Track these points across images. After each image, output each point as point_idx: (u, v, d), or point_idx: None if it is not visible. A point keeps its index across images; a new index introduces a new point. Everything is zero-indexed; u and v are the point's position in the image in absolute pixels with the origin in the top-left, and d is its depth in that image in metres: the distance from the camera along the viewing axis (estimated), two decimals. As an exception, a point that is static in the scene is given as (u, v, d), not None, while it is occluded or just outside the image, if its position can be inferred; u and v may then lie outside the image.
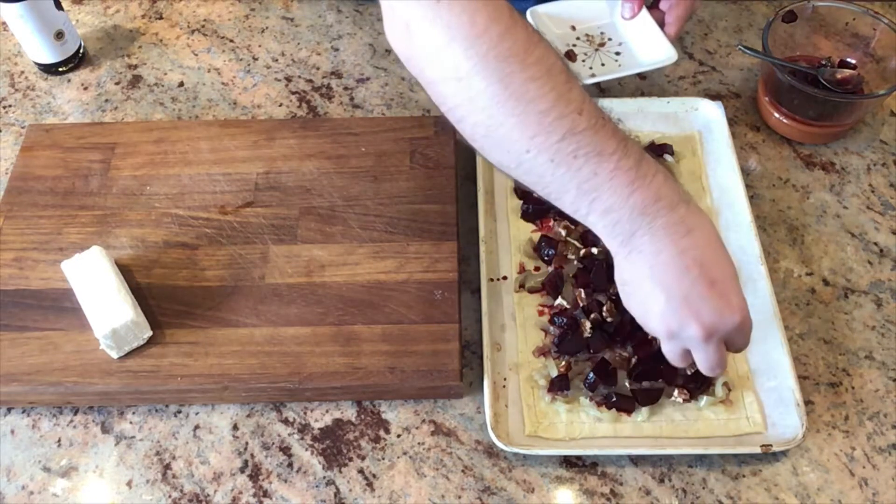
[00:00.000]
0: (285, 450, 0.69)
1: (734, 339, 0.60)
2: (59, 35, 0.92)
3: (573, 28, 0.90)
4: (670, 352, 0.61)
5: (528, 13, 0.88)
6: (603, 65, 0.86)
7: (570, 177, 0.55)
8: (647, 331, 0.61)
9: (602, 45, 0.89)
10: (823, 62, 0.87)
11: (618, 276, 0.60)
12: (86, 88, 0.95)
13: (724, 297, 0.57)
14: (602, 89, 0.93)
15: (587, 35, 0.90)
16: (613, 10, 0.89)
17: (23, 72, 0.97)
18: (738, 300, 0.58)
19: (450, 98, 0.57)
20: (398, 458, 0.68)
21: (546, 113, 0.54)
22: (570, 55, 0.88)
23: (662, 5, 0.85)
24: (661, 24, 0.86)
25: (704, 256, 0.57)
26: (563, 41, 0.89)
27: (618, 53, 0.87)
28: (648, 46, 0.86)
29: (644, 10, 0.86)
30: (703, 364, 0.60)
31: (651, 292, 0.57)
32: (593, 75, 0.85)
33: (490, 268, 0.76)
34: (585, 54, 0.88)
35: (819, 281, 0.78)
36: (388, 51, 0.97)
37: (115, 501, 0.66)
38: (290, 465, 0.68)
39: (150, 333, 0.70)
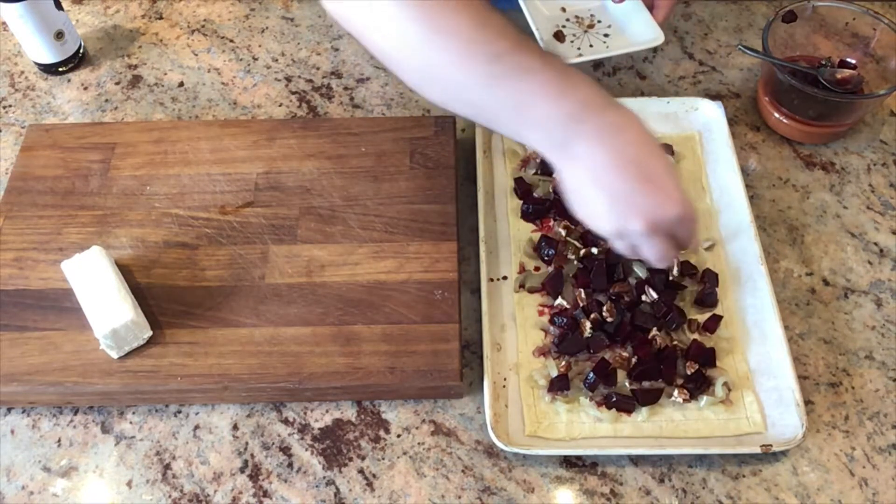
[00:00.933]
0: (285, 450, 0.69)
1: (678, 232, 0.62)
2: (59, 35, 0.92)
3: (563, 10, 0.93)
4: (621, 248, 0.65)
5: None
6: (591, 46, 0.89)
7: (504, 97, 0.59)
8: (595, 227, 0.63)
9: (591, 26, 0.91)
10: (823, 62, 0.87)
11: (563, 187, 0.63)
12: (86, 88, 0.95)
13: (662, 190, 0.59)
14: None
15: (577, 17, 0.92)
16: None
17: (23, 72, 0.97)
18: (676, 192, 0.60)
19: (383, 45, 0.61)
20: (398, 458, 0.68)
21: (472, 42, 0.58)
22: (559, 35, 0.90)
23: None
24: (651, 9, 0.88)
25: (639, 154, 0.59)
26: (552, 22, 0.91)
27: (606, 35, 0.90)
28: (637, 29, 0.88)
29: None
30: (651, 256, 0.63)
31: (594, 196, 0.60)
32: (580, 55, 0.87)
33: (490, 268, 0.76)
34: (574, 35, 0.90)
35: (819, 281, 0.78)
36: (388, 51, 0.97)
37: (115, 501, 0.66)
38: (290, 465, 0.68)
39: (150, 333, 0.70)
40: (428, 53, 0.59)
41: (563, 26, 0.91)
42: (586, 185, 0.60)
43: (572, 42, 0.89)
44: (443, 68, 0.60)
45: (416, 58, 0.60)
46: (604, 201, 0.60)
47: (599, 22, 0.92)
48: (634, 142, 0.60)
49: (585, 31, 0.91)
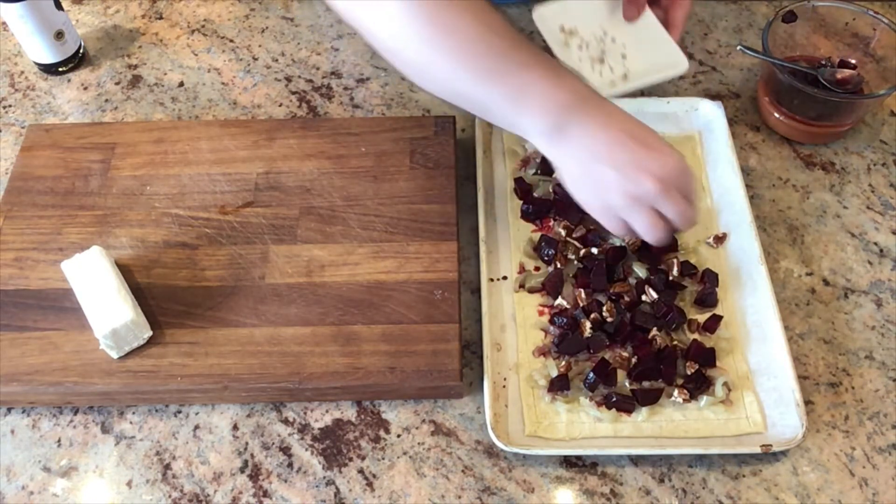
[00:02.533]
0: (285, 450, 0.69)
1: (685, 186, 0.65)
2: (59, 35, 0.92)
3: (562, 29, 0.84)
4: (640, 222, 0.66)
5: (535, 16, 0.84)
6: (611, 69, 0.82)
7: (502, 91, 0.64)
8: (607, 209, 0.66)
9: (602, 53, 0.83)
10: (823, 62, 0.87)
11: (564, 176, 0.67)
12: (86, 88, 0.95)
13: (661, 150, 0.64)
14: (602, 89, 0.93)
15: (585, 41, 0.83)
16: (614, 11, 0.84)
17: (23, 72, 0.97)
18: (671, 150, 0.65)
19: (386, 40, 0.64)
20: (398, 458, 0.68)
21: (473, 40, 0.62)
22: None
23: (664, 1, 0.82)
24: (662, 21, 0.82)
25: (632, 127, 0.65)
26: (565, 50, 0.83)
27: (623, 56, 0.83)
28: (656, 52, 0.82)
29: (648, 11, 0.82)
30: (675, 215, 0.65)
31: (600, 170, 0.64)
32: (613, 83, 0.81)
33: (490, 268, 0.76)
34: (592, 58, 0.83)
35: (819, 281, 0.78)
36: (388, 51, 0.97)
37: (115, 501, 0.66)
38: (290, 465, 0.68)
39: (150, 333, 0.70)
40: (429, 50, 0.62)
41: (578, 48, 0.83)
42: (590, 163, 0.64)
43: (592, 67, 0.82)
44: (443, 64, 0.63)
45: (417, 54, 0.63)
46: (611, 172, 0.63)
47: (613, 41, 0.83)
48: (623, 118, 0.65)
49: (602, 54, 0.83)
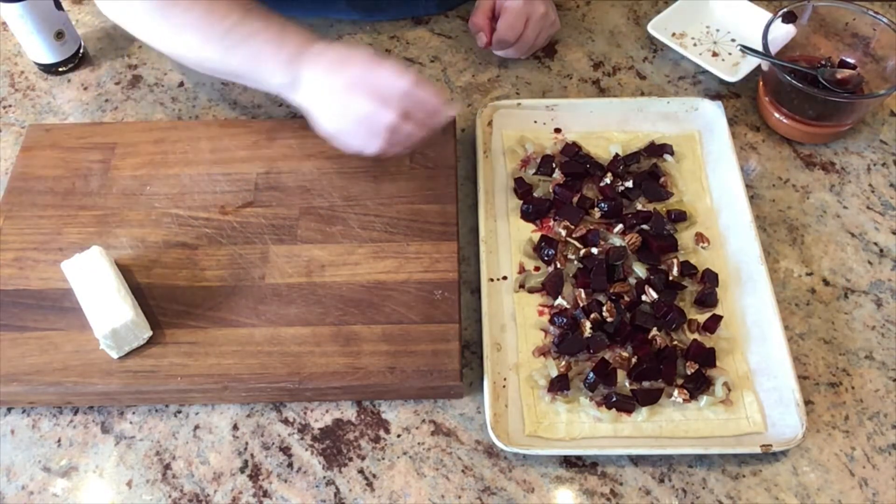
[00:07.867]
0: (285, 450, 0.69)
1: (424, 101, 0.71)
2: (59, 35, 0.92)
3: (674, 34, 0.97)
4: (384, 146, 0.73)
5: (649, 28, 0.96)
6: (730, 54, 0.95)
7: (242, 60, 0.74)
8: (357, 131, 0.72)
9: (715, 45, 0.97)
10: (823, 62, 0.87)
11: (316, 118, 0.74)
12: (86, 88, 0.95)
13: (388, 70, 0.70)
14: (602, 89, 0.93)
15: (694, 39, 0.97)
16: (707, 5, 0.98)
17: (23, 72, 0.97)
18: (399, 71, 0.70)
19: (142, 37, 0.79)
20: (398, 458, 0.68)
21: (206, 25, 0.73)
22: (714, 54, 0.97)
23: None
24: None
25: (354, 57, 0.72)
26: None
27: (733, 40, 0.96)
28: (752, 21, 0.94)
29: None
30: (408, 138, 0.72)
31: (342, 110, 0.72)
32: (736, 65, 0.94)
33: (490, 268, 0.76)
34: (710, 50, 0.97)
35: (819, 281, 0.78)
36: (388, 51, 0.97)
37: (115, 501, 0.66)
38: (290, 465, 0.68)
39: (149, 333, 0.70)
40: (175, 42, 0.76)
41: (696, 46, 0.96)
42: (329, 105, 0.72)
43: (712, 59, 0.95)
44: (191, 51, 0.75)
45: (169, 46, 0.77)
46: (352, 102, 0.70)
47: (718, 31, 0.97)
48: (347, 55, 0.72)
49: (715, 44, 0.97)
